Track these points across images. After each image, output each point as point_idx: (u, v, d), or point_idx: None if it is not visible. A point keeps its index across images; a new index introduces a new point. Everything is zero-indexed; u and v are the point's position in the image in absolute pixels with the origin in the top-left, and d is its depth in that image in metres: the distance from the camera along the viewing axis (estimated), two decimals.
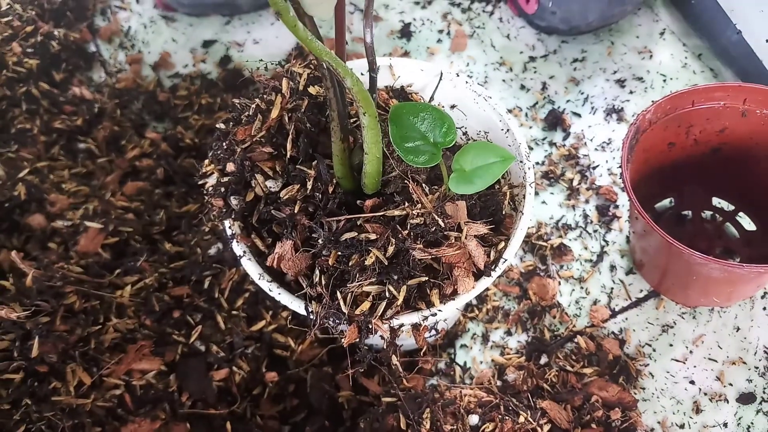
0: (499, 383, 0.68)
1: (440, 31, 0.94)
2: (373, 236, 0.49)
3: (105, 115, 0.84)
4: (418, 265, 0.50)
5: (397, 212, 0.50)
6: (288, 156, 0.53)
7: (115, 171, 0.78)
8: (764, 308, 0.71)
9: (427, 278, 0.50)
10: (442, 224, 0.49)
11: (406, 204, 0.50)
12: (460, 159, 0.49)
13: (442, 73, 0.61)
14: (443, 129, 0.48)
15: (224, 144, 0.54)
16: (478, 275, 0.52)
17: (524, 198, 0.56)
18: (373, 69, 0.51)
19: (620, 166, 0.62)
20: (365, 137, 0.47)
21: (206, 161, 0.55)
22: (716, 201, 0.77)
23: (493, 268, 0.52)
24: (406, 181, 0.51)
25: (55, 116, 0.82)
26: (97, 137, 0.82)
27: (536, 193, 0.79)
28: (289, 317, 0.68)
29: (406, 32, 0.93)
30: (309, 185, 0.52)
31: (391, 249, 0.49)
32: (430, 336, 0.63)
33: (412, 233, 0.49)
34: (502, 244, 0.54)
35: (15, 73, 0.82)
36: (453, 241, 0.50)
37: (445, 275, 0.51)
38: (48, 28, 0.89)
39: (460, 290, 0.50)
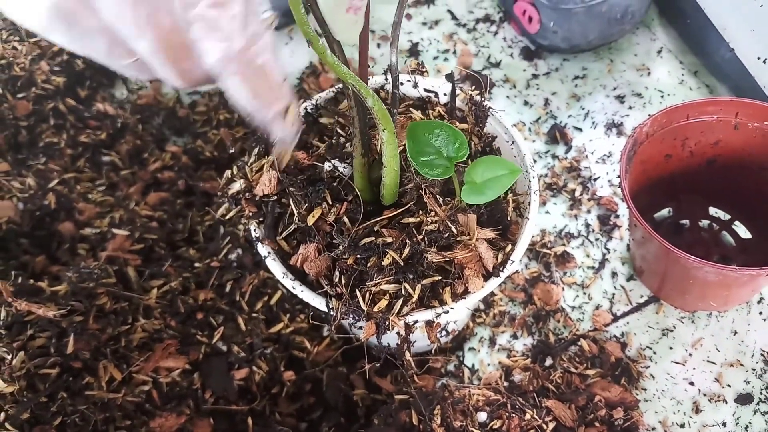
0: (506, 384, 0.71)
1: (446, 51, 0.98)
2: (389, 239, 0.53)
3: (127, 129, 0.88)
4: (432, 266, 0.53)
5: (412, 220, 0.54)
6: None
7: (138, 182, 0.82)
8: (761, 313, 0.74)
9: (440, 278, 0.53)
10: (455, 230, 0.53)
11: (421, 212, 0.54)
12: (472, 172, 0.52)
13: (453, 85, 0.65)
14: (456, 145, 0.52)
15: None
16: (487, 276, 0.55)
17: (529, 205, 0.60)
18: (396, 86, 0.55)
19: (619, 177, 0.66)
20: (384, 152, 0.50)
21: (230, 172, 0.58)
22: (713, 210, 0.80)
23: (501, 269, 0.55)
24: (421, 193, 0.55)
25: (81, 130, 0.86)
26: (120, 150, 0.85)
27: (543, 203, 0.83)
28: (307, 318, 0.71)
29: (414, 51, 0.97)
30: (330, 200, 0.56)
31: (406, 251, 0.52)
32: (441, 335, 0.67)
33: (426, 238, 0.53)
34: (509, 247, 0.57)
35: (43, 90, 0.86)
36: (465, 243, 0.53)
37: (457, 275, 0.54)
38: None
39: (471, 289, 0.53)
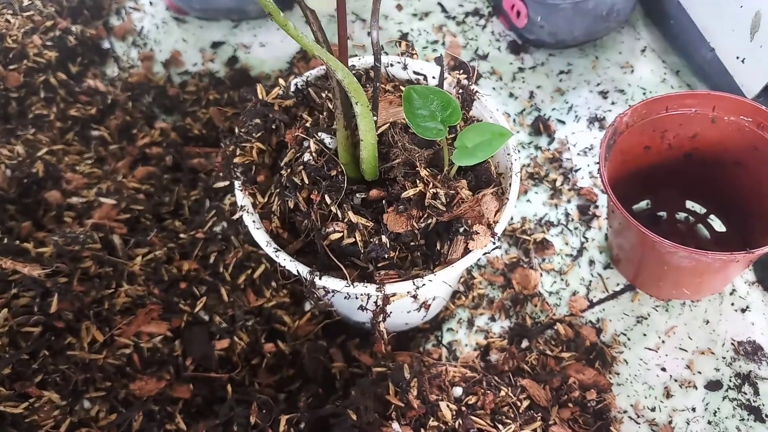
0: (482, 363, 0.72)
1: (435, 42, 1.00)
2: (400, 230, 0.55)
3: (117, 106, 0.89)
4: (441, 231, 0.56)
5: (412, 192, 0.55)
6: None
7: (126, 157, 0.83)
8: (732, 304, 0.76)
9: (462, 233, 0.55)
10: (459, 191, 0.55)
11: (418, 183, 0.55)
12: (463, 138, 0.54)
13: (442, 68, 0.66)
14: (449, 110, 0.54)
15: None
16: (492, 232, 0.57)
17: (510, 187, 0.61)
18: (377, 59, 0.56)
19: (598, 164, 0.68)
20: (359, 125, 0.52)
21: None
22: (690, 204, 0.82)
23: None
24: (407, 168, 0.56)
25: (71, 105, 0.87)
26: (109, 126, 0.86)
27: (524, 192, 0.85)
28: (289, 293, 0.72)
29: (404, 41, 0.99)
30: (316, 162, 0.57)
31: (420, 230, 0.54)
32: (420, 312, 0.68)
33: (430, 210, 0.54)
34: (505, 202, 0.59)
35: (35, 63, 0.87)
36: (470, 199, 0.55)
37: (466, 230, 0.55)
38: (66, 24, 0.94)
39: (475, 247, 0.55)
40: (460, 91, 0.66)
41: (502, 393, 0.66)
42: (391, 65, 0.67)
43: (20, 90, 0.85)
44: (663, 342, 0.74)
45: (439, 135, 0.52)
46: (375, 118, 0.56)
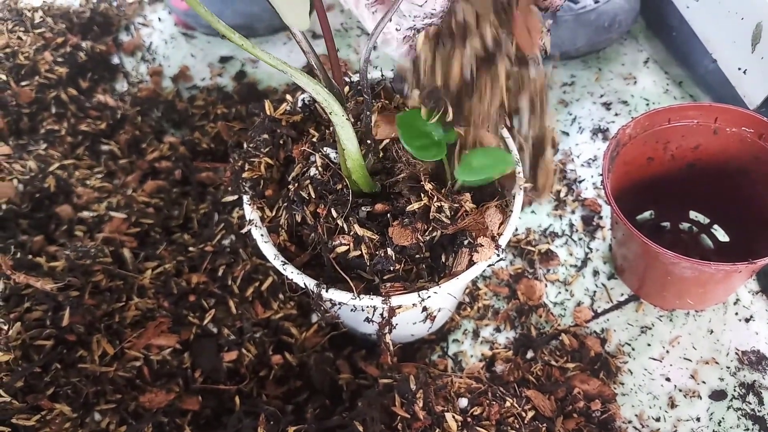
0: (487, 374, 0.73)
1: None
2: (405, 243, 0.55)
3: (127, 120, 0.90)
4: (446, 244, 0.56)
5: (417, 206, 0.56)
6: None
7: (135, 171, 0.84)
8: (736, 313, 0.77)
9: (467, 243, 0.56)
10: (463, 206, 0.56)
11: (423, 197, 0.56)
12: (469, 158, 0.55)
13: None
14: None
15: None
16: (496, 244, 0.57)
17: (514, 198, 0.62)
18: (366, 92, 0.57)
19: (602, 175, 0.68)
20: (339, 136, 0.52)
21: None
22: (693, 214, 0.83)
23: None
24: (412, 182, 0.57)
25: (81, 120, 0.89)
26: (119, 140, 0.88)
27: (529, 203, 0.86)
28: (297, 305, 0.73)
29: None
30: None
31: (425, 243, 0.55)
32: (426, 323, 0.69)
33: (435, 223, 0.55)
34: (509, 215, 0.60)
35: (46, 79, 0.88)
36: (474, 211, 0.56)
37: (470, 242, 0.56)
38: (76, 40, 0.96)
39: (480, 259, 0.55)
40: None
41: (508, 404, 0.67)
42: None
43: (32, 106, 0.86)
44: (667, 352, 0.75)
45: (439, 155, 0.53)
46: (372, 134, 0.57)
